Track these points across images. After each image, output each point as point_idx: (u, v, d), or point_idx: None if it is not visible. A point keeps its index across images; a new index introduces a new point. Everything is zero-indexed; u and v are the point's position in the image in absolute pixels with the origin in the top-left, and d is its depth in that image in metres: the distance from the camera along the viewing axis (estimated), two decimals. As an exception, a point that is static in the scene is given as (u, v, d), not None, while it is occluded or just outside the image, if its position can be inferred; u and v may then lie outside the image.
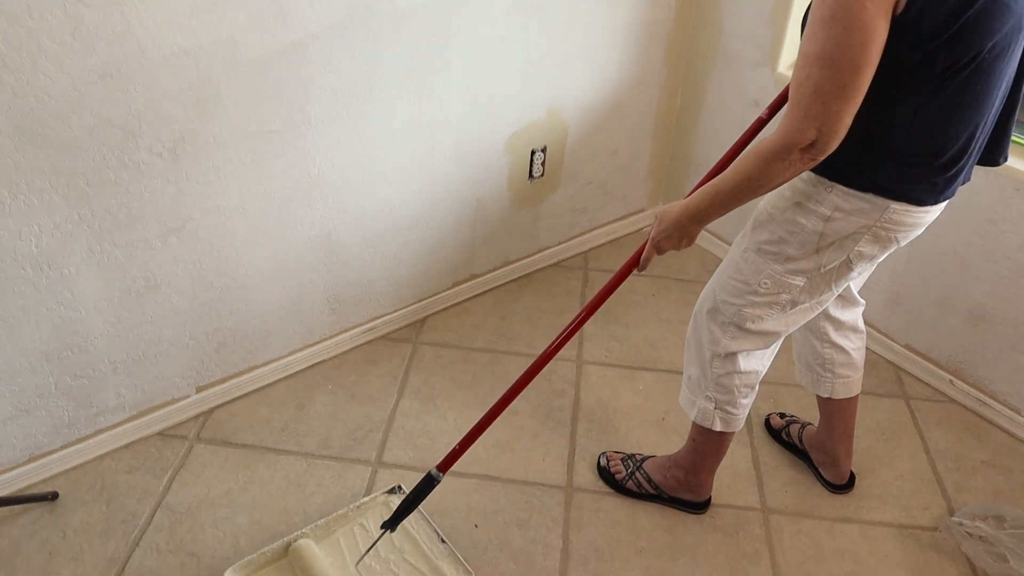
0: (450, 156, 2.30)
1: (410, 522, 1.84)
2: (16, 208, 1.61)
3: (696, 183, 1.59)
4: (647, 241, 1.54)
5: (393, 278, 2.41)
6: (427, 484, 1.68)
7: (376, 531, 1.80)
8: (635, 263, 1.59)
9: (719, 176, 1.37)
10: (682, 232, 1.47)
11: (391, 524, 1.71)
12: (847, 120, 1.19)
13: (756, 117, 1.56)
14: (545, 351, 1.69)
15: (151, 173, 1.76)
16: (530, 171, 2.54)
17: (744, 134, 1.58)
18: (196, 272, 1.96)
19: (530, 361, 2.38)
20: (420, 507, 1.84)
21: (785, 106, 1.24)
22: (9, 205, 1.60)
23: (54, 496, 1.93)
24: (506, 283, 2.76)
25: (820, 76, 1.16)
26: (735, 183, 1.32)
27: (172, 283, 1.93)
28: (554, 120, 2.50)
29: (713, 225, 2.93)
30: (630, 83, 2.63)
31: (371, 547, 1.75)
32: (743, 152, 1.31)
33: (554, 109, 2.47)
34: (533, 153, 2.51)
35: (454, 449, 1.71)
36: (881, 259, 1.48)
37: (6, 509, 1.89)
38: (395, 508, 1.72)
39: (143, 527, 1.88)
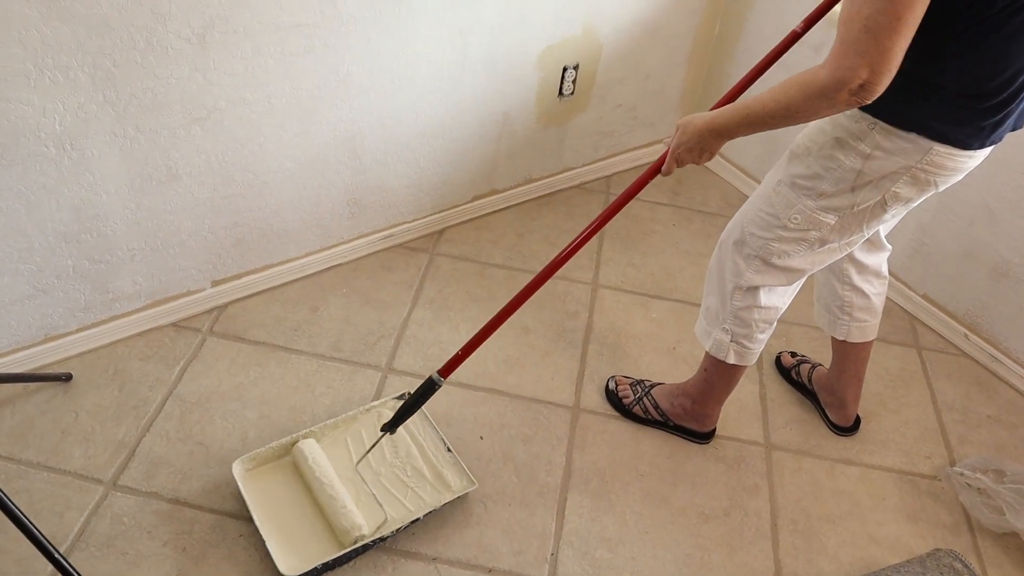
0: (480, 66, 2.25)
1: (417, 429, 1.86)
2: (41, 83, 1.58)
3: (719, 101, 1.55)
4: (667, 151, 1.51)
5: (414, 186, 2.38)
6: (428, 388, 1.63)
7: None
8: (658, 168, 1.53)
9: (753, 98, 1.32)
10: (703, 146, 1.44)
11: (391, 427, 1.69)
12: (899, 57, 1.13)
13: (790, 30, 1.50)
14: (555, 259, 1.64)
15: (179, 59, 1.72)
16: (560, 88, 2.49)
17: (775, 49, 1.52)
18: (218, 164, 1.94)
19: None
20: (428, 416, 1.87)
21: (834, 41, 1.19)
22: (35, 79, 1.57)
23: (68, 377, 1.95)
24: (527, 201, 2.73)
25: (872, 8, 1.09)
26: (770, 110, 1.28)
27: (194, 174, 1.91)
28: (589, 37, 2.43)
29: (738, 158, 2.88)
30: (669, 7, 2.55)
31: (370, 449, 1.76)
32: (785, 80, 1.25)
33: (590, 26, 2.41)
34: (565, 70, 2.45)
35: (456, 355, 1.66)
36: (916, 203, 1.45)
37: (21, 386, 1.92)
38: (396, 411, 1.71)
39: (154, 414, 1.90)
